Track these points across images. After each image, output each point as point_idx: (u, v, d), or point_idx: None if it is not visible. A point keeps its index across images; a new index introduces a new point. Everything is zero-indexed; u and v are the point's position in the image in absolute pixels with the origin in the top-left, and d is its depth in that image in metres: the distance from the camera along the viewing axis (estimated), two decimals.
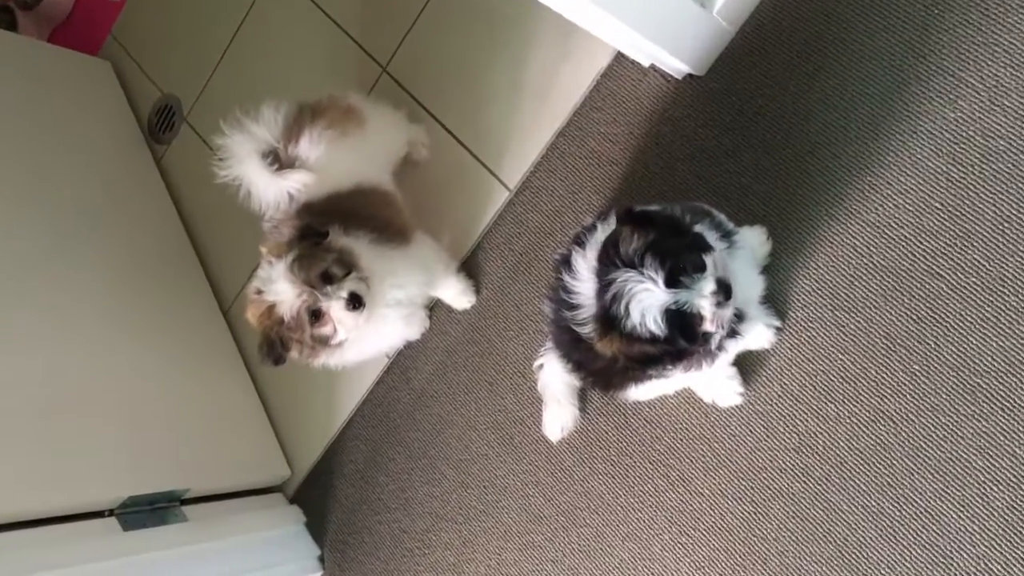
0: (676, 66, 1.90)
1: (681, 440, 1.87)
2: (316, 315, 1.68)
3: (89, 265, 2.34)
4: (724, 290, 1.31)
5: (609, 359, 1.39)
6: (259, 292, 1.70)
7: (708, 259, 1.32)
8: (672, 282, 1.27)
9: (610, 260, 1.32)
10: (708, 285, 1.30)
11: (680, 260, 1.29)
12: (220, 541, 2.15)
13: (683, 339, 1.32)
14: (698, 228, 1.48)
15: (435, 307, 2.22)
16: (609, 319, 1.33)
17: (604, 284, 1.32)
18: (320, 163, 1.89)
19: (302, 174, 1.86)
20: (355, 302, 1.67)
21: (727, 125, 1.88)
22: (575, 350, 1.58)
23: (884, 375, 1.68)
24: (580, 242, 1.46)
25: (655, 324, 1.29)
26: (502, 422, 2.10)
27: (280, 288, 1.65)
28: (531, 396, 2.04)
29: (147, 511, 2.07)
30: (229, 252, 2.62)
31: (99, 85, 2.88)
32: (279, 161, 1.88)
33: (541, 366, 1.95)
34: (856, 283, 1.72)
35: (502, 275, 2.13)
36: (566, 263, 1.49)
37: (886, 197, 1.71)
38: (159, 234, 2.63)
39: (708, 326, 1.33)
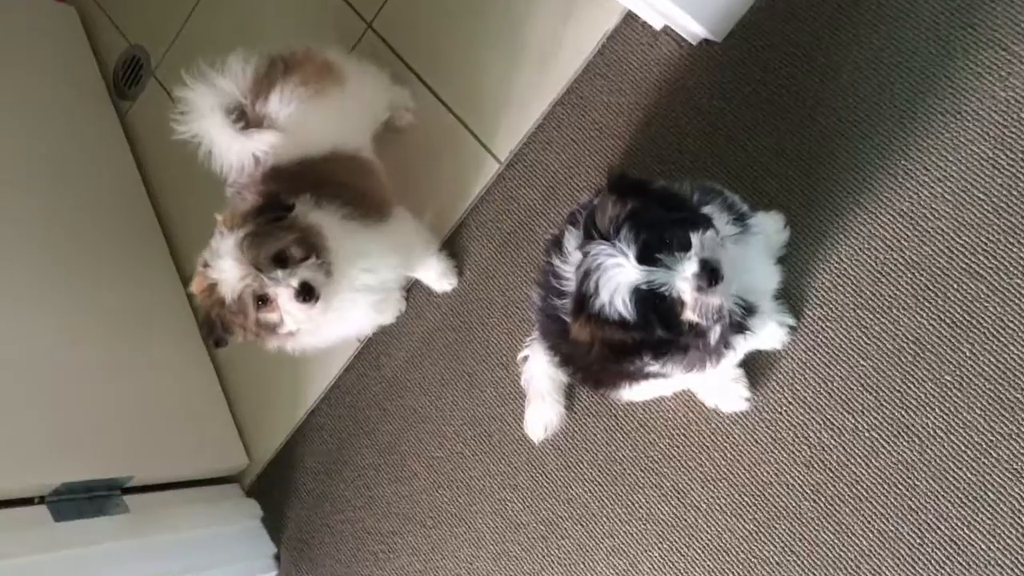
0: (692, 29, 1.70)
1: (677, 447, 1.68)
2: (263, 300, 1.51)
3: (38, 225, 2.15)
4: (710, 273, 1.14)
5: (586, 347, 1.23)
6: (206, 265, 1.52)
7: (695, 237, 1.16)
8: (645, 258, 1.13)
9: (587, 231, 1.19)
10: (690, 266, 1.14)
11: (661, 235, 1.14)
12: (164, 535, 1.96)
13: (660, 327, 1.16)
14: (707, 209, 1.33)
15: (413, 288, 2.03)
16: (580, 298, 1.18)
17: (581, 259, 1.19)
18: (291, 123, 1.72)
19: (270, 134, 1.69)
20: (306, 293, 1.50)
21: (746, 98, 1.69)
22: (564, 342, 1.44)
23: (910, 385, 1.50)
24: (574, 221, 1.32)
25: (624, 306, 1.14)
26: (480, 418, 1.91)
27: (224, 266, 1.48)
28: (514, 391, 1.87)
29: (83, 500, 1.87)
30: (194, 220, 2.41)
31: (62, 33, 2.67)
32: (245, 119, 1.71)
33: (526, 358, 1.80)
34: (883, 280, 1.54)
35: (487, 257, 1.95)
36: (557, 245, 1.36)
37: (922, 184, 1.52)
38: (119, 197, 2.44)
39: (689, 314, 1.18)
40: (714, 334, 1.28)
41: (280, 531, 2.17)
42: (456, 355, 1.96)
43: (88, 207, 2.32)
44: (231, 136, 1.68)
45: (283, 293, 1.49)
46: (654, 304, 1.15)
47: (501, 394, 1.90)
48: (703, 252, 1.15)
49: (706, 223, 1.22)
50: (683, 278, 1.14)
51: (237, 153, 1.71)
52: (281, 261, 1.50)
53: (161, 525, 1.97)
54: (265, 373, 2.21)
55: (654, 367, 1.33)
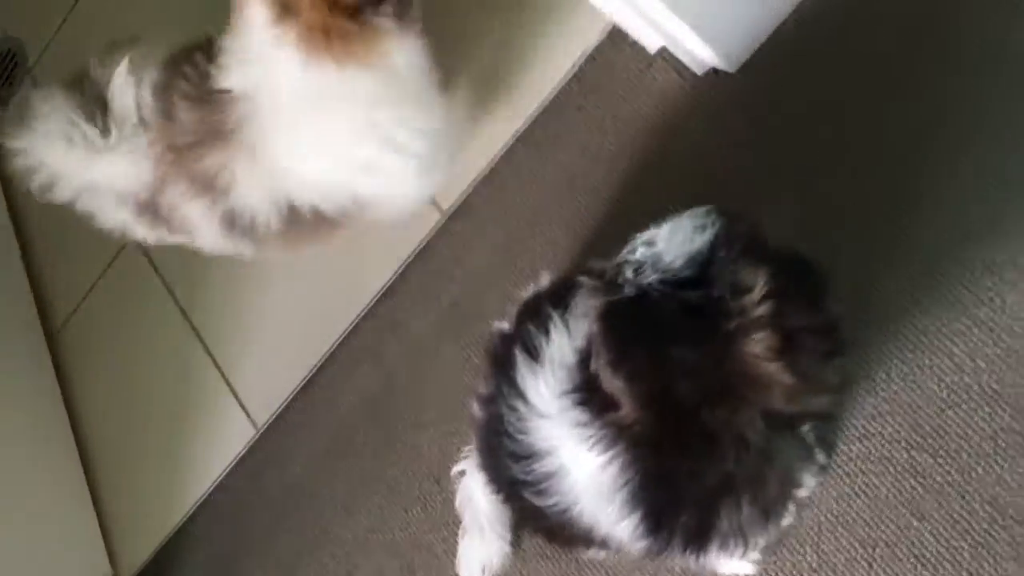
0: (699, 54, 1.29)
1: None
2: None
3: None
4: None
5: None
6: None
7: None
8: None
9: None
10: None
11: None
12: None
13: None
14: None
15: (323, 367, 1.59)
16: None
17: None
18: None
19: None
20: None
21: (771, 148, 1.28)
22: (511, 488, 1.10)
23: (985, 563, 1.09)
24: (528, 346, 0.94)
25: None
26: (402, 545, 1.50)
27: None
28: (446, 513, 1.45)
29: None
30: (71, 253, 2.00)
31: None
32: None
33: (463, 473, 1.39)
34: (955, 411, 1.13)
35: (422, 334, 1.54)
36: (502, 366, 1.00)
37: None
38: None
39: None
40: None
41: None
42: (374, 456, 1.55)
43: None
44: None
45: None
46: None
47: (431, 516, 1.48)
48: None
49: None
50: None
51: None
52: None
53: None
54: (144, 453, 1.79)
55: None
